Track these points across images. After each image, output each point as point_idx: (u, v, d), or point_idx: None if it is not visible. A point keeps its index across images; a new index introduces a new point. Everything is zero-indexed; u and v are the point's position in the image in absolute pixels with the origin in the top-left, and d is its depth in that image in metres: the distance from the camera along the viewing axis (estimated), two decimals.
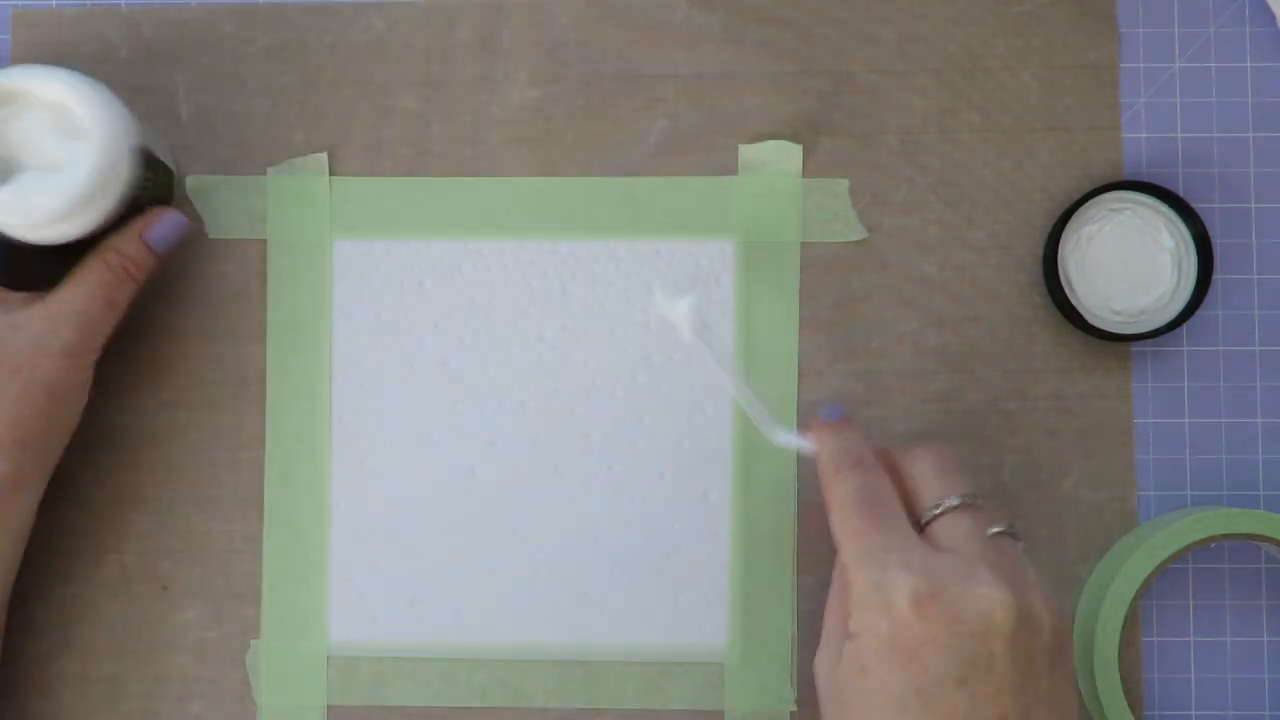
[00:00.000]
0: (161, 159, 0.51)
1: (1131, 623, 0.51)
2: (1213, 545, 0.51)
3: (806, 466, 0.52)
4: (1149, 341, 0.52)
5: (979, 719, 0.39)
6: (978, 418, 0.52)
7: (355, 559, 0.52)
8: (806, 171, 0.53)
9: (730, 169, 0.53)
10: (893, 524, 0.43)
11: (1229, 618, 0.52)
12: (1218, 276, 0.52)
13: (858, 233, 0.53)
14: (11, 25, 0.54)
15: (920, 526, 0.44)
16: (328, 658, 0.52)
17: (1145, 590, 0.49)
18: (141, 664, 0.52)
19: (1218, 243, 0.52)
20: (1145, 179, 0.52)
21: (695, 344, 0.50)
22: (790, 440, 0.47)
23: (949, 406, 0.52)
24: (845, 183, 0.53)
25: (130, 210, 0.48)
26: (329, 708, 0.52)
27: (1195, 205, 0.52)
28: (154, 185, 0.50)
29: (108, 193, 0.47)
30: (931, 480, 0.44)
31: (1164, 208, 0.52)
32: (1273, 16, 0.53)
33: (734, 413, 0.52)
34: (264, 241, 0.53)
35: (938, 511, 0.43)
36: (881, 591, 0.41)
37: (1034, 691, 0.40)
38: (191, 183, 0.53)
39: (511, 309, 0.53)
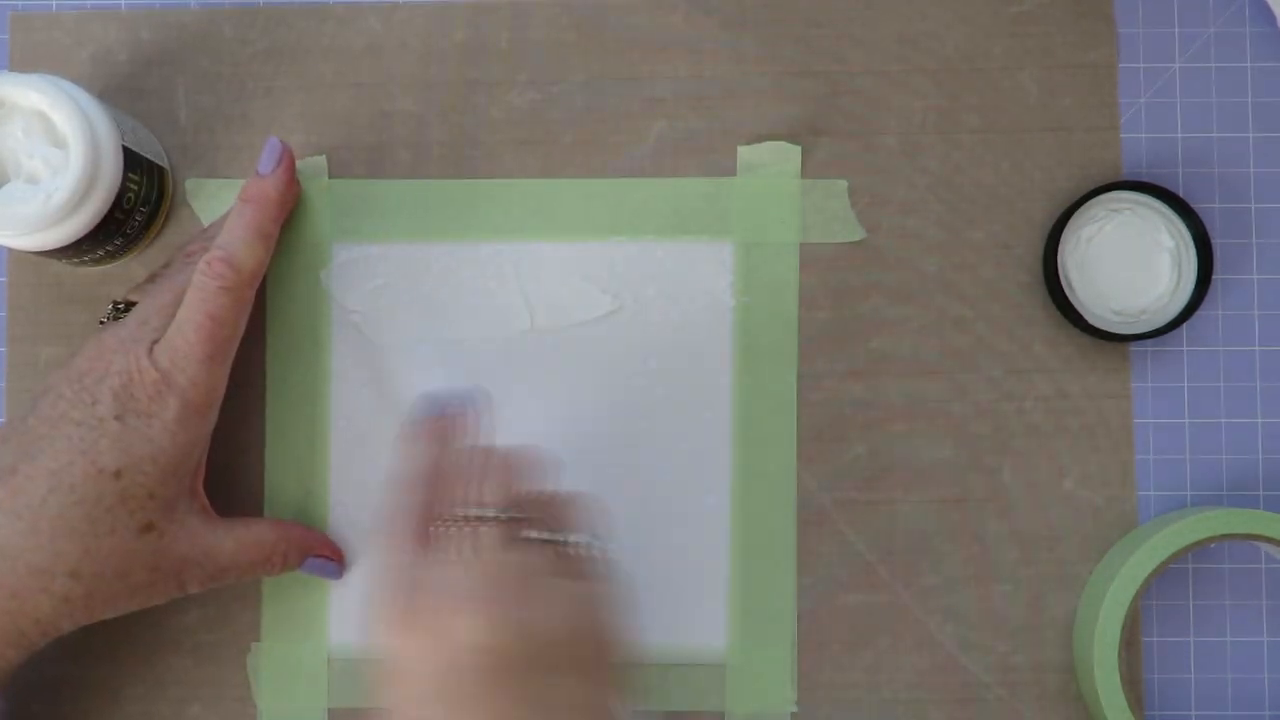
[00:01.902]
0: (151, 160, 0.51)
1: (1131, 623, 0.51)
2: (1213, 545, 0.51)
3: (805, 467, 0.52)
4: (1149, 341, 0.52)
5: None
6: (978, 417, 0.52)
7: (356, 561, 0.52)
8: (805, 172, 0.53)
9: (729, 170, 0.53)
10: (404, 544, 0.42)
11: (1229, 618, 0.52)
12: (1218, 276, 0.52)
13: (857, 233, 0.53)
14: (10, 28, 0.54)
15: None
16: (328, 660, 0.52)
17: (1145, 590, 0.49)
18: (141, 666, 0.52)
19: (1218, 243, 0.52)
20: (1145, 179, 0.52)
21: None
22: None
23: (949, 406, 0.52)
24: (844, 183, 0.53)
25: (118, 214, 0.49)
26: (330, 710, 0.52)
27: (1195, 205, 0.52)
28: (143, 187, 0.50)
29: (92, 200, 0.47)
30: (458, 486, 0.43)
31: (1164, 208, 0.52)
32: (1273, 16, 0.53)
33: (733, 414, 0.52)
34: None
35: (447, 521, 0.42)
36: (381, 613, 0.40)
37: (519, 703, 0.39)
38: (190, 185, 0.53)
39: (510, 311, 0.53)
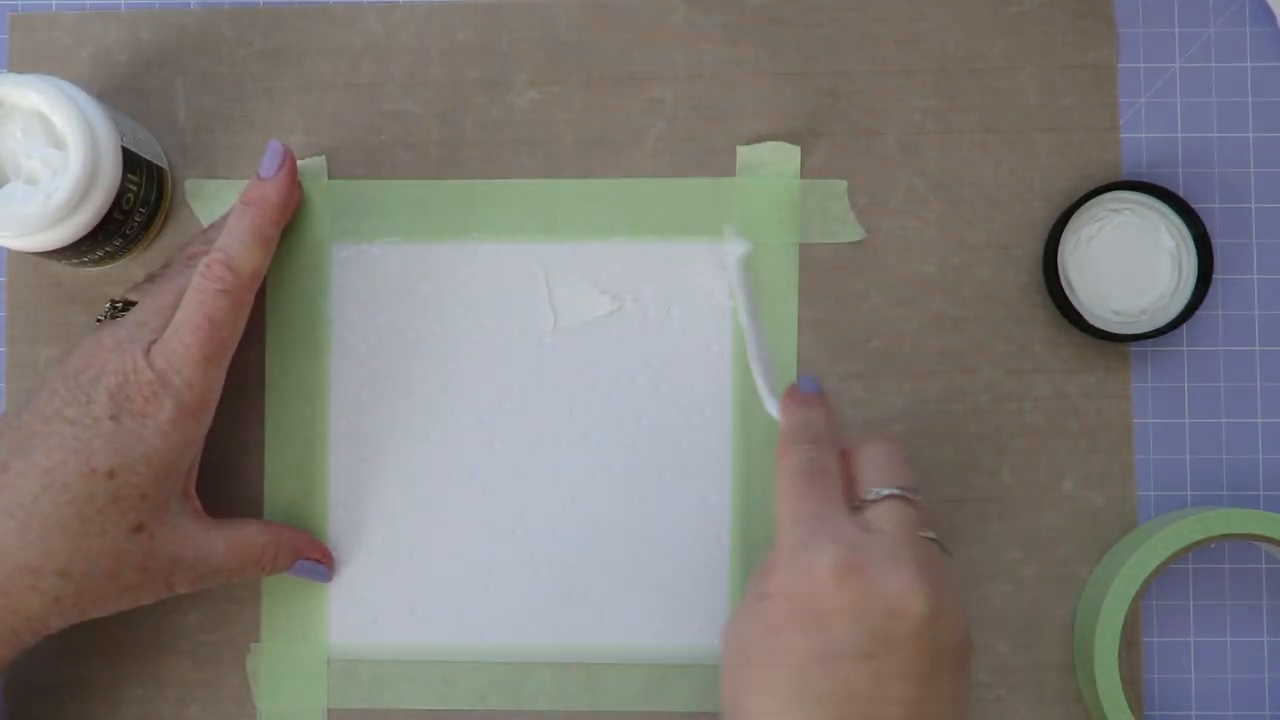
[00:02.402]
0: (151, 160, 0.51)
1: (1131, 623, 0.51)
2: (1213, 545, 0.51)
3: None
4: (1149, 341, 0.52)
5: (878, 697, 0.39)
6: (978, 418, 0.52)
7: (355, 562, 0.52)
8: (805, 173, 0.53)
9: (729, 170, 0.53)
10: (829, 497, 0.43)
11: (1229, 618, 0.52)
12: (1218, 276, 0.52)
13: (856, 233, 0.53)
14: (10, 28, 0.54)
15: (856, 509, 0.44)
16: (328, 660, 0.52)
17: (1145, 590, 0.49)
18: (141, 667, 0.52)
19: (1218, 243, 0.52)
20: (1145, 179, 0.52)
21: (734, 288, 0.50)
22: (777, 412, 0.48)
23: (949, 406, 0.52)
24: (844, 184, 0.53)
25: (118, 214, 0.49)
26: (329, 711, 0.52)
27: (1195, 205, 0.51)
28: (142, 187, 0.50)
29: (91, 200, 0.47)
30: (875, 468, 0.44)
31: (1164, 208, 0.52)
32: (1273, 16, 0.53)
33: (733, 414, 0.52)
34: None
35: (875, 497, 0.44)
36: (805, 555, 0.41)
37: (935, 685, 0.40)
38: (190, 185, 0.53)
39: (510, 311, 0.53)
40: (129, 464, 0.45)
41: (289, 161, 0.49)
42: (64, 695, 0.52)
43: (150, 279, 0.50)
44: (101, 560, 0.44)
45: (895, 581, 0.40)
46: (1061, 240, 0.51)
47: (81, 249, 0.49)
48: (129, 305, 0.49)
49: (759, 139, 0.53)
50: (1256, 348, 0.52)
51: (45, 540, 0.44)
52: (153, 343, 0.46)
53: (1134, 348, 0.53)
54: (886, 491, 0.43)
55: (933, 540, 0.43)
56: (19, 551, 0.43)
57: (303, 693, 0.52)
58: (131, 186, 0.49)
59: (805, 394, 0.47)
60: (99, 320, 0.49)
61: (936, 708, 0.40)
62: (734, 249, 0.50)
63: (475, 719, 0.52)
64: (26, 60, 0.54)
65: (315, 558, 0.51)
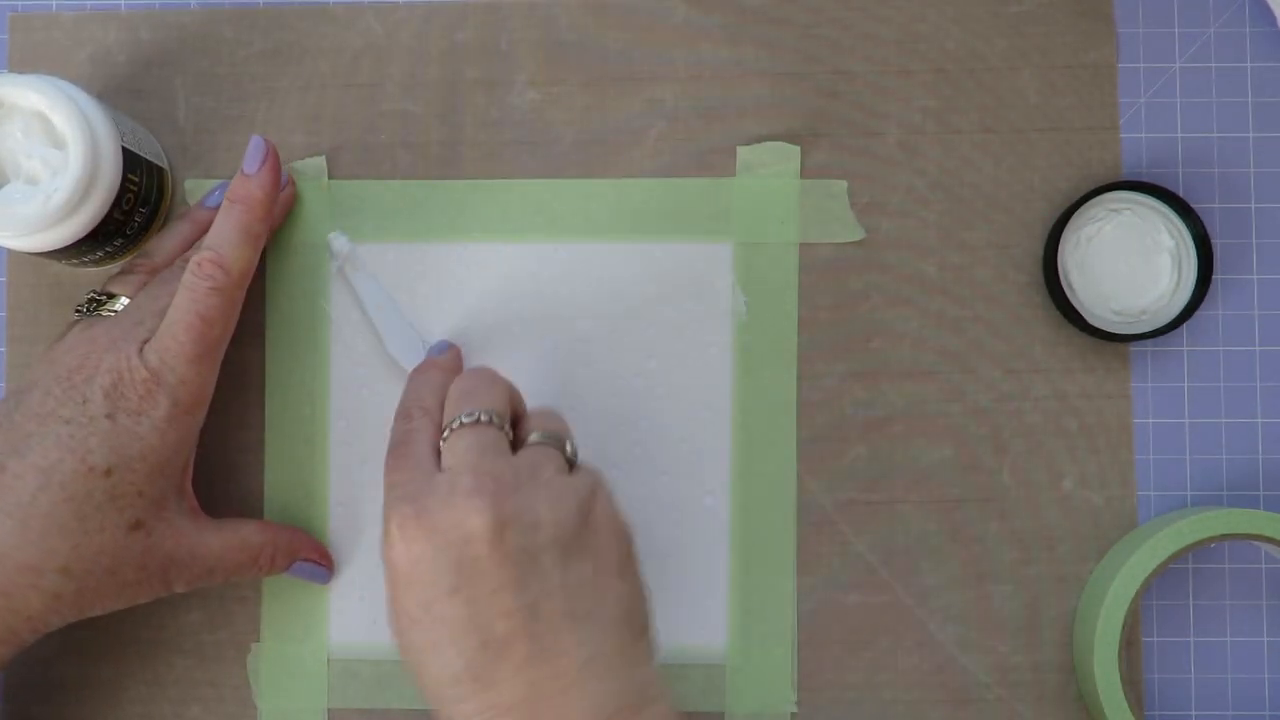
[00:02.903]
0: (151, 160, 0.51)
1: (1131, 623, 0.51)
2: (1213, 545, 0.51)
3: (805, 467, 0.52)
4: (1149, 341, 0.52)
5: (482, 620, 0.40)
6: (977, 418, 0.52)
7: (355, 562, 0.52)
8: (804, 173, 0.53)
9: (728, 170, 0.53)
10: (410, 464, 0.44)
11: (1229, 618, 0.52)
12: (1218, 276, 0.52)
13: (856, 233, 0.53)
14: (10, 28, 0.54)
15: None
16: (328, 660, 0.52)
17: (1145, 590, 0.49)
18: (142, 667, 0.52)
19: (1218, 243, 0.52)
20: (1145, 179, 0.52)
21: (343, 276, 0.52)
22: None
23: (949, 406, 0.52)
24: (843, 184, 0.53)
25: (118, 214, 0.48)
26: (329, 711, 0.52)
27: (1195, 205, 0.51)
28: (142, 187, 0.50)
29: (91, 200, 0.47)
30: (453, 403, 0.45)
31: (1164, 208, 0.52)
32: (1273, 16, 0.53)
33: (733, 414, 0.52)
34: None
35: (446, 434, 0.44)
36: (388, 524, 0.42)
37: (540, 585, 0.40)
38: (190, 185, 0.53)
39: (510, 311, 0.53)
40: (125, 461, 0.45)
41: (271, 156, 0.49)
42: (64, 695, 0.52)
43: (130, 269, 0.50)
44: (101, 558, 0.45)
45: (449, 513, 0.41)
46: (1061, 240, 0.51)
47: (82, 249, 0.49)
48: (110, 297, 0.49)
49: (759, 139, 0.53)
50: (1256, 348, 0.52)
51: (45, 539, 0.44)
52: (146, 341, 0.46)
53: (1134, 348, 0.53)
54: (456, 423, 0.44)
55: (541, 444, 0.44)
56: (19, 551, 0.44)
57: (303, 693, 0.52)
58: (131, 186, 0.49)
59: (430, 360, 0.50)
60: (78, 310, 0.49)
61: (552, 603, 0.40)
62: (337, 246, 0.52)
63: None
64: (26, 60, 0.54)
65: (313, 559, 0.51)
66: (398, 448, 0.45)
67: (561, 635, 0.40)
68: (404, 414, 0.46)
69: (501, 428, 0.44)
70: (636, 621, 0.43)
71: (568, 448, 0.45)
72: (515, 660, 0.40)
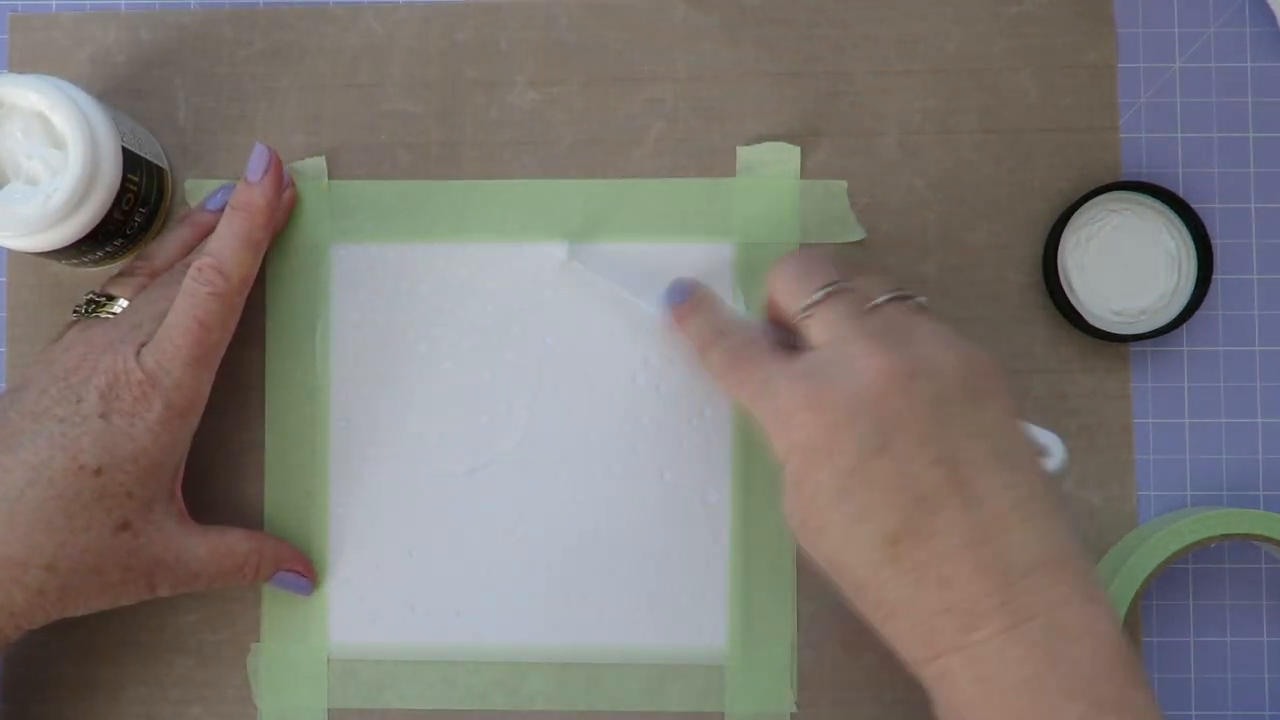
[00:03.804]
0: (151, 160, 0.51)
1: (1131, 623, 0.51)
2: (1213, 545, 0.51)
3: None
4: (1149, 341, 0.52)
5: (914, 471, 0.40)
6: None
7: (355, 562, 0.52)
8: (805, 173, 0.53)
9: (728, 171, 0.53)
10: (766, 357, 0.44)
11: (1229, 618, 0.52)
12: (1218, 276, 0.52)
13: (856, 234, 0.53)
14: (9, 28, 0.54)
15: (800, 336, 0.44)
16: (328, 660, 0.52)
17: (1145, 590, 0.49)
18: (142, 667, 0.52)
19: (1218, 243, 0.52)
20: (1145, 179, 0.52)
21: (574, 266, 0.52)
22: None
23: None
24: (843, 184, 0.53)
25: (118, 214, 0.49)
26: (329, 711, 0.52)
27: (1195, 205, 0.51)
28: (142, 187, 0.50)
29: (91, 200, 0.47)
30: (793, 288, 0.45)
31: (1164, 208, 0.52)
32: (1273, 16, 0.53)
33: (733, 414, 0.52)
34: None
35: (804, 314, 0.44)
36: (780, 413, 0.42)
37: (959, 430, 0.40)
38: (190, 185, 0.53)
39: (510, 311, 0.53)
40: (117, 462, 0.45)
41: (275, 164, 0.49)
42: (64, 695, 0.52)
43: (130, 270, 0.50)
44: (86, 556, 0.45)
45: (857, 375, 0.41)
46: (1061, 240, 0.51)
47: (82, 249, 0.49)
48: (109, 299, 0.49)
49: (759, 139, 0.53)
50: (1256, 348, 0.52)
51: (31, 535, 0.44)
52: (143, 344, 0.46)
53: (1134, 348, 0.53)
54: (809, 301, 0.44)
55: (887, 301, 0.43)
56: (4, 546, 0.44)
57: (303, 693, 0.52)
58: (131, 186, 0.49)
59: (685, 301, 0.49)
60: (76, 311, 0.49)
61: (973, 446, 0.40)
62: (559, 252, 0.52)
63: (475, 719, 0.52)
64: (26, 60, 0.54)
65: (297, 569, 0.51)
66: (739, 353, 0.45)
67: (987, 478, 0.40)
68: (716, 334, 0.46)
69: (854, 291, 0.44)
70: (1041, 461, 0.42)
71: (919, 298, 0.44)
72: (951, 510, 0.39)
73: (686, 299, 0.49)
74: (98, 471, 0.45)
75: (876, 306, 0.43)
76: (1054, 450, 0.45)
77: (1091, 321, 0.51)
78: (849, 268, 0.52)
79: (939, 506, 0.40)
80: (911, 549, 0.40)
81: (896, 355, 0.41)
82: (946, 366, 0.41)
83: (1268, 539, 0.49)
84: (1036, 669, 0.38)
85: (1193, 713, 0.52)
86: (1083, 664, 0.38)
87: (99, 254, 0.50)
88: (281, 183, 0.50)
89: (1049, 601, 0.39)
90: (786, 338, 0.45)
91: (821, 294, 0.44)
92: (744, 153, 0.53)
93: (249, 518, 0.52)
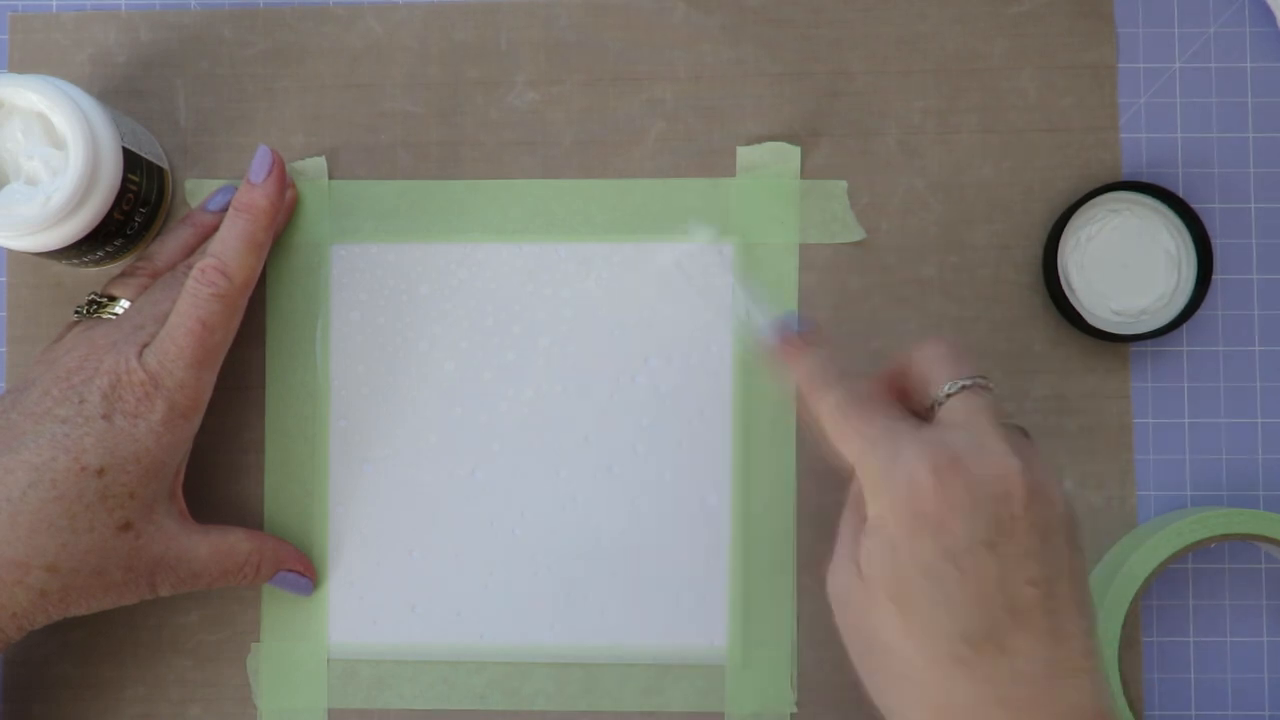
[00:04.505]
0: (151, 160, 0.51)
1: (1131, 623, 0.51)
2: (1213, 545, 0.51)
3: (806, 466, 0.52)
4: (1149, 341, 0.52)
5: (1010, 582, 0.39)
6: None
7: (355, 562, 0.52)
8: (805, 173, 0.53)
9: (728, 170, 0.53)
10: (890, 411, 0.43)
11: (1229, 618, 0.52)
12: (1218, 276, 0.52)
13: (856, 234, 0.53)
14: (10, 28, 0.54)
15: (930, 411, 0.44)
16: (328, 660, 0.52)
17: (1145, 590, 0.49)
18: (142, 667, 0.52)
19: (1218, 243, 0.52)
20: (1145, 179, 0.52)
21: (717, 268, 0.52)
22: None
23: None
24: (843, 184, 0.53)
25: (118, 214, 0.49)
26: (329, 711, 0.52)
27: (1195, 205, 0.51)
28: (143, 188, 0.50)
29: (91, 201, 0.47)
30: (942, 365, 0.44)
31: (1164, 208, 0.52)
32: (1273, 16, 0.53)
33: (733, 414, 0.52)
34: None
35: (950, 391, 0.43)
36: (899, 469, 0.41)
37: (1057, 562, 0.40)
38: (190, 186, 0.53)
39: (510, 311, 0.53)
40: (119, 463, 0.45)
41: (278, 166, 0.49)
42: (64, 695, 0.52)
43: (131, 271, 0.50)
44: (89, 557, 0.45)
45: (992, 466, 0.40)
46: (1061, 240, 0.51)
47: (82, 249, 0.49)
48: (111, 299, 0.49)
49: (759, 139, 0.53)
50: (1256, 348, 0.52)
51: (33, 536, 0.44)
52: (146, 345, 0.46)
53: (1134, 348, 0.53)
54: (958, 385, 0.43)
55: (1012, 426, 0.43)
56: (7, 546, 0.44)
57: (303, 693, 0.52)
58: (131, 187, 0.49)
59: (807, 335, 0.47)
60: (77, 312, 0.49)
61: (1063, 584, 0.40)
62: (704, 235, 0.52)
63: (475, 719, 0.52)
64: (26, 61, 0.54)
65: (297, 569, 0.51)
66: (861, 401, 0.43)
67: (1071, 617, 0.40)
68: (835, 376, 0.44)
69: (995, 393, 0.43)
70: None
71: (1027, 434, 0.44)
72: (1035, 632, 0.39)
73: (805, 332, 0.47)
74: (100, 472, 0.45)
75: (1008, 421, 0.43)
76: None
77: (1091, 321, 0.51)
78: (846, 270, 0.52)
79: (1026, 626, 0.39)
80: (988, 658, 0.39)
81: (1030, 467, 0.41)
82: (1058, 500, 0.41)
83: (1268, 539, 0.49)
84: None
85: (1193, 713, 0.52)
86: None
87: (99, 254, 0.50)
88: (284, 184, 0.50)
89: None
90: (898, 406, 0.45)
91: (970, 382, 0.43)
92: (744, 153, 0.53)
93: (249, 518, 0.52)
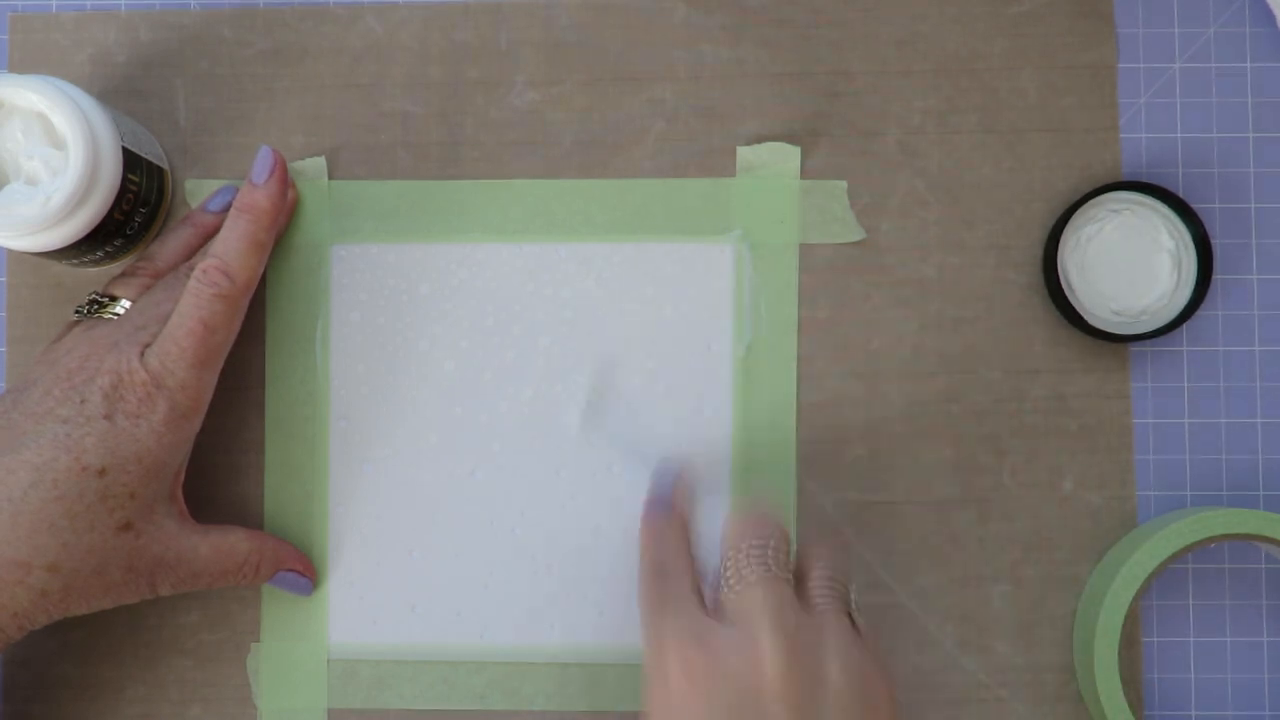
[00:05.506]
0: (151, 161, 0.51)
1: (1131, 623, 0.51)
2: (1213, 545, 0.51)
3: (805, 467, 0.52)
4: (1149, 341, 0.52)
5: None
6: (977, 418, 0.52)
7: (355, 562, 0.52)
8: (805, 173, 0.53)
9: (729, 171, 0.53)
10: (686, 607, 0.43)
11: (1229, 618, 0.52)
12: (1218, 276, 0.52)
13: (856, 234, 0.53)
14: (10, 28, 0.54)
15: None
16: (328, 660, 0.52)
17: (1145, 590, 0.49)
18: (141, 667, 0.52)
19: (1218, 243, 0.52)
20: (1145, 179, 0.52)
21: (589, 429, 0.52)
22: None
23: (948, 407, 0.52)
24: (843, 184, 0.53)
25: (118, 214, 0.49)
26: (329, 711, 0.52)
27: (1195, 205, 0.51)
28: (143, 188, 0.50)
29: (91, 201, 0.47)
30: (736, 552, 0.44)
31: (1164, 208, 0.52)
32: (1273, 16, 0.53)
33: (733, 414, 0.52)
34: None
35: (731, 585, 0.43)
36: (662, 661, 0.42)
37: None
38: (190, 186, 0.53)
39: (510, 311, 0.53)
40: (120, 463, 0.45)
41: (279, 167, 0.50)
42: (64, 695, 0.52)
43: (132, 271, 0.50)
44: (89, 557, 0.45)
45: (740, 661, 0.40)
46: (1061, 240, 0.51)
47: (82, 249, 0.49)
48: (112, 299, 0.49)
49: (759, 139, 0.53)
50: (1256, 348, 0.52)
51: (34, 536, 0.44)
52: (147, 345, 0.46)
53: (1134, 348, 0.53)
54: (744, 576, 0.43)
55: (828, 597, 0.43)
56: (7, 546, 0.44)
57: (303, 693, 0.52)
58: (131, 187, 0.49)
59: (654, 502, 0.47)
60: (78, 311, 0.49)
61: None
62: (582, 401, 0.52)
63: (475, 719, 0.52)
64: (26, 61, 0.54)
65: (297, 569, 0.51)
66: (663, 595, 0.44)
67: None
68: (656, 570, 0.45)
69: (789, 580, 0.43)
70: None
71: (852, 600, 0.44)
72: None
73: (664, 494, 0.47)
74: (101, 472, 0.45)
75: (808, 591, 0.43)
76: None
77: (1091, 321, 0.51)
78: (846, 270, 0.52)
79: None
80: None
81: (792, 657, 0.40)
82: (839, 684, 0.40)
83: (1268, 539, 0.49)
84: None
85: (1193, 713, 0.52)
86: None
87: (99, 254, 0.50)
88: (286, 185, 0.50)
89: None
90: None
91: (758, 573, 0.43)
92: (744, 153, 0.53)
93: (249, 518, 0.52)
